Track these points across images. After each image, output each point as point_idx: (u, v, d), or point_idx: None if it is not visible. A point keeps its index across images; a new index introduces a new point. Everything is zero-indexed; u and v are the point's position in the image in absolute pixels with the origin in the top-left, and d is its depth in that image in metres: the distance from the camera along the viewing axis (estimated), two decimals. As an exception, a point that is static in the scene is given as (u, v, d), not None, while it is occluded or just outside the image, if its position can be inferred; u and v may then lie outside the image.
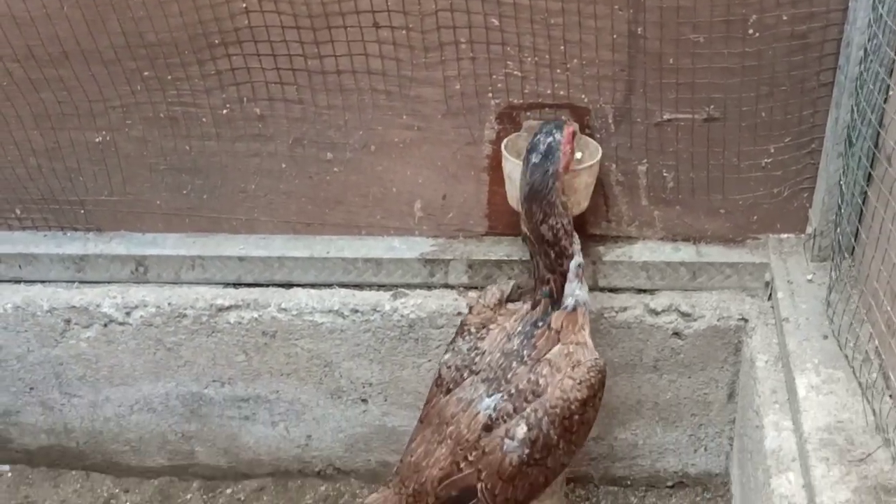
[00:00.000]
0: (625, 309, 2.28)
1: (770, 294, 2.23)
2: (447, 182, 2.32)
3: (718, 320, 2.25)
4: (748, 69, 2.04)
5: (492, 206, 2.34)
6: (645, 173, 2.23)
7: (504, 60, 2.13)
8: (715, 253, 2.28)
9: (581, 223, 2.28)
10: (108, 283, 2.47)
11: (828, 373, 1.88)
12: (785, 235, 2.29)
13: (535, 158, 1.87)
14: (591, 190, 2.15)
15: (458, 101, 2.20)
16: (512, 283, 2.09)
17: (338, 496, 2.61)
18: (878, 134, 1.85)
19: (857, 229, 1.99)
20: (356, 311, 2.36)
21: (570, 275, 1.89)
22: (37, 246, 2.48)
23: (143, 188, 2.42)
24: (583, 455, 2.50)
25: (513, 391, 1.84)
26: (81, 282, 2.48)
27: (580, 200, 2.14)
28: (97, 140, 2.35)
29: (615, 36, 2.05)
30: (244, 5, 2.11)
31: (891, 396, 1.74)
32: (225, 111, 2.28)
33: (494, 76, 2.15)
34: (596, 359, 1.86)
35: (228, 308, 2.39)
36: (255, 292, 2.41)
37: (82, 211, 2.47)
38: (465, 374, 1.93)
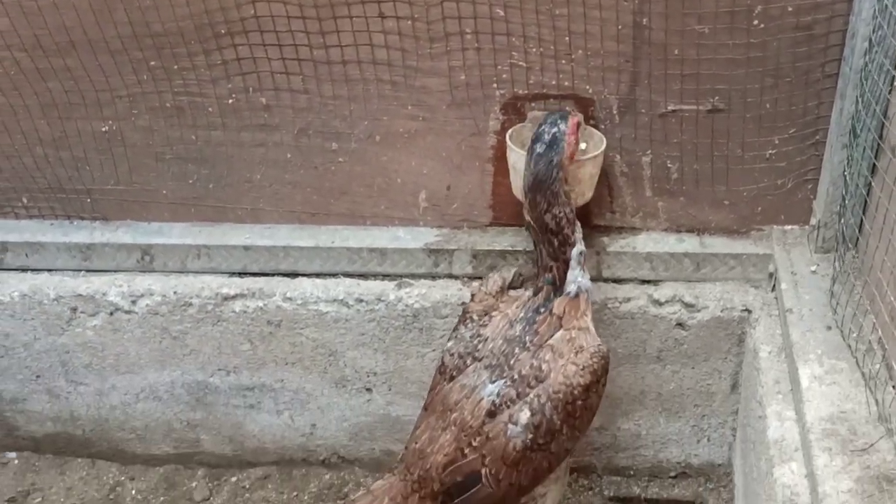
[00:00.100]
0: (628, 299, 2.29)
1: (774, 285, 2.23)
2: (452, 172, 2.33)
3: (722, 311, 2.26)
4: (753, 60, 2.04)
5: (496, 197, 2.34)
6: (649, 164, 2.24)
7: (509, 51, 2.13)
8: (719, 244, 2.29)
9: (585, 214, 2.29)
10: (115, 271, 2.48)
11: (831, 363, 1.88)
12: (789, 227, 2.29)
13: (539, 148, 1.88)
14: (595, 181, 2.16)
15: (463, 91, 2.20)
16: (514, 270, 2.09)
17: (342, 485, 2.62)
18: (883, 125, 1.85)
19: (861, 220, 1.99)
20: (361, 301, 2.37)
21: (573, 262, 1.90)
22: (43, 234, 2.49)
23: (149, 177, 2.43)
24: (586, 445, 2.51)
25: (515, 377, 1.86)
26: (88, 270, 2.49)
27: (584, 191, 2.14)
28: (104, 129, 2.36)
29: (620, 27, 2.05)
30: (250, -5, 2.12)
31: (894, 387, 1.74)
32: (231, 101, 2.28)
33: (499, 67, 2.15)
34: (599, 344, 1.87)
35: (234, 297, 2.40)
36: (260, 281, 2.42)
37: (89, 200, 2.49)
38: (468, 361, 1.94)
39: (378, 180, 2.36)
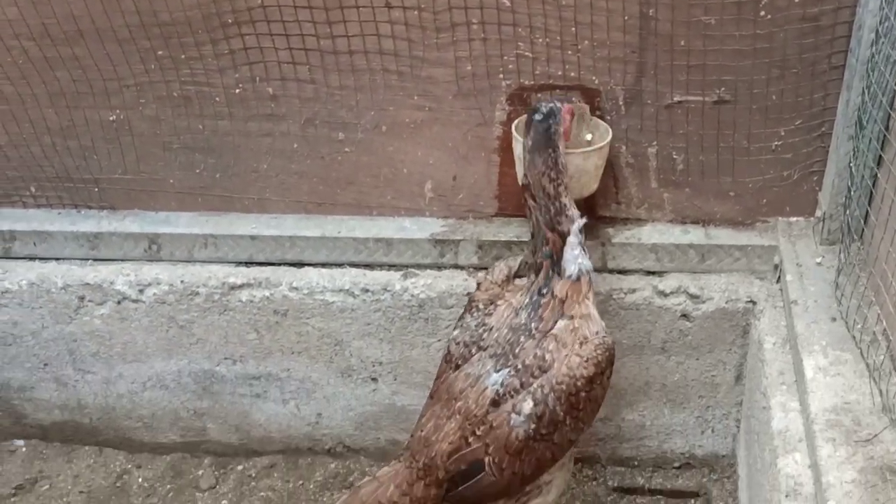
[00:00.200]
0: (633, 291, 2.29)
1: (779, 277, 2.23)
2: (458, 163, 2.33)
3: (727, 302, 2.26)
4: (759, 51, 2.04)
5: (502, 188, 2.35)
6: (655, 155, 2.24)
7: (515, 42, 2.13)
8: (724, 235, 2.29)
9: (591, 205, 2.29)
10: (122, 260, 2.50)
11: (835, 354, 1.88)
12: (794, 218, 2.29)
13: (538, 117, 1.93)
14: (601, 172, 2.16)
15: (469, 82, 2.21)
16: (520, 259, 2.10)
17: (347, 473, 2.64)
18: (889, 116, 1.85)
19: (867, 212, 1.99)
20: (367, 291, 2.37)
21: (573, 240, 1.90)
22: (51, 223, 2.51)
23: (156, 167, 2.44)
24: (590, 435, 2.52)
25: (520, 366, 1.86)
26: (95, 259, 2.51)
27: (590, 182, 2.15)
28: (111, 118, 2.37)
29: (626, 17, 2.05)
30: (257, -15, 2.13)
31: (898, 378, 1.75)
32: (238, 91, 2.29)
33: (505, 57, 2.16)
34: (604, 336, 1.87)
35: (240, 286, 2.41)
36: (266, 271, 2.43)
37: (96, 189, 2.50)
38: (474, 350, 1.95)
39: (384, 170, 2.37)
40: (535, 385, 1.83)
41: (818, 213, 2.22)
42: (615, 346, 1.90)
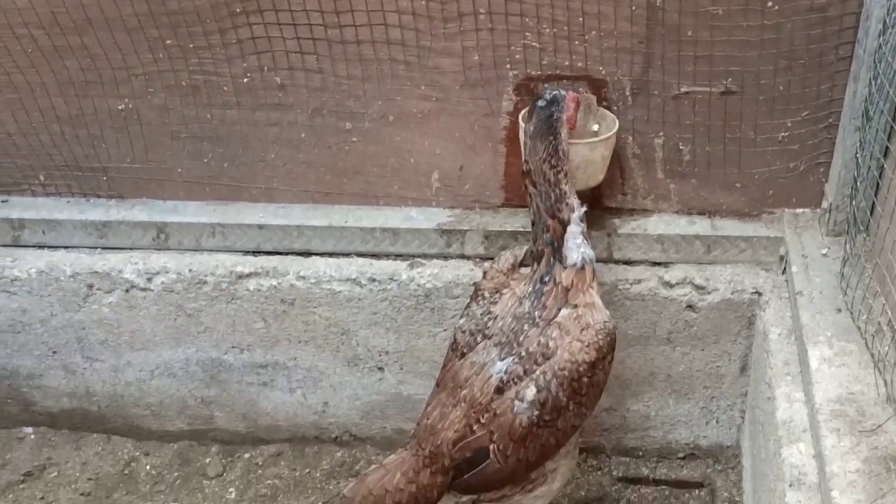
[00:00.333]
0: (639, 281, 2.30)
1: (784, 268, 2.23)
2: (464, 153, 2.34)
3: (732, 293, 2.26)
4: (767, 42, 2.04)
5: (508, 178, 2.35)
6: (661, 146, 2.24)
7: (522, 32, 2.13)
8: (730, 226, 2.29)
9: (597, 195, 2.30)
10: (130, 249, 2.51)
11: (840, 345, 1.89)
12: (800, 210, 2.29)
13: (541, 103, 1.95)
14: (607, 162, 2.16)
15: (476, 72, 2.21)
16: (525, 248, 2.10)
17: (354, 462, 2.65)
18: (896, 107, 1.85)
19: (873, 203, 1.99)
20: (373, 280, 2.38)
21: (574, 228, 1.91)
22: (60, 212, 2.52)
23: (164, 156, 2.45)
24: (595, 426, 2.52)
25: (523, 354, 1.87)
26: (104, 248, 2.52)
27: (597, 173, 2.15)
28: (120, 108, 2.38)
29: (634, 7, 2.05)
30: (265, -26, 2.13)
31: (902, 368, 1.75)
32: (246, 80, 2.30)
33: (513, 47, 2.16)
34: (605, 321, 1.88)
35: (248, 275, 2.43)
36: (273, 260, 2.44)
37: (105, 178, 2.51)
38: (479, 339, 1.96)
39: (391, 160, 2.37)
40: (537, 372, 1.84)
41: (824, 204, 2.22)
42: (616, 331, 1.90)
